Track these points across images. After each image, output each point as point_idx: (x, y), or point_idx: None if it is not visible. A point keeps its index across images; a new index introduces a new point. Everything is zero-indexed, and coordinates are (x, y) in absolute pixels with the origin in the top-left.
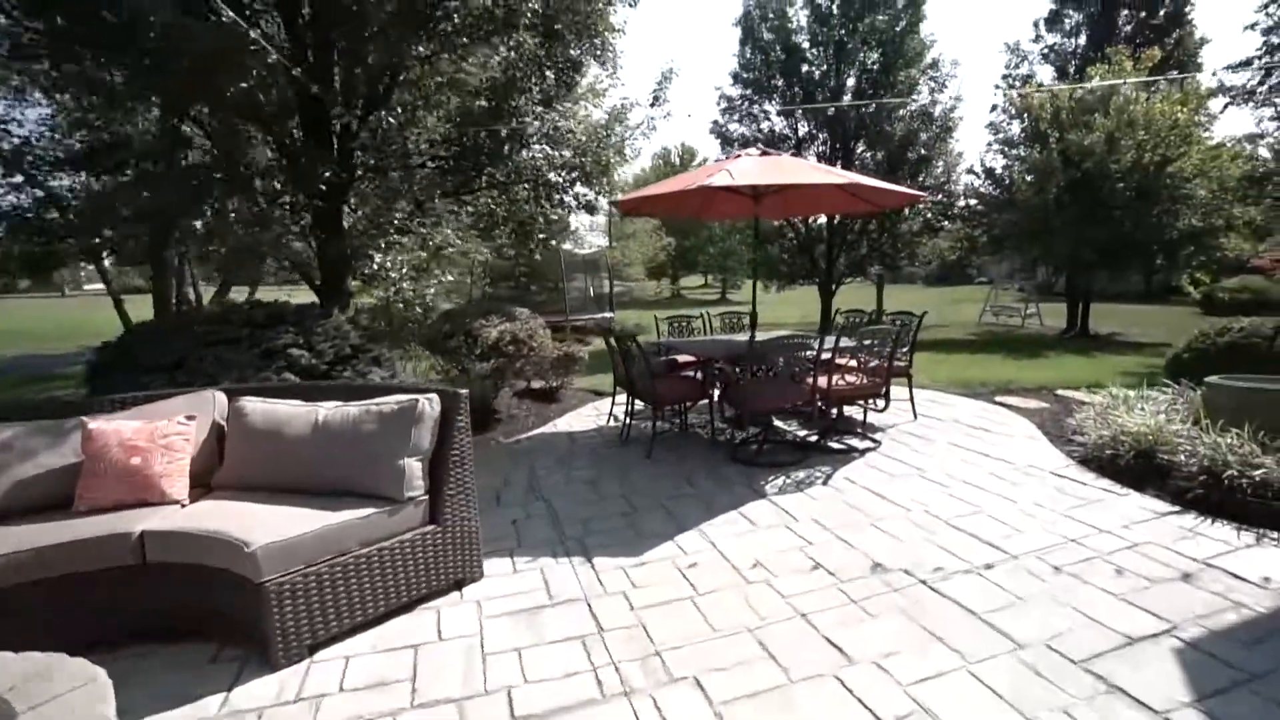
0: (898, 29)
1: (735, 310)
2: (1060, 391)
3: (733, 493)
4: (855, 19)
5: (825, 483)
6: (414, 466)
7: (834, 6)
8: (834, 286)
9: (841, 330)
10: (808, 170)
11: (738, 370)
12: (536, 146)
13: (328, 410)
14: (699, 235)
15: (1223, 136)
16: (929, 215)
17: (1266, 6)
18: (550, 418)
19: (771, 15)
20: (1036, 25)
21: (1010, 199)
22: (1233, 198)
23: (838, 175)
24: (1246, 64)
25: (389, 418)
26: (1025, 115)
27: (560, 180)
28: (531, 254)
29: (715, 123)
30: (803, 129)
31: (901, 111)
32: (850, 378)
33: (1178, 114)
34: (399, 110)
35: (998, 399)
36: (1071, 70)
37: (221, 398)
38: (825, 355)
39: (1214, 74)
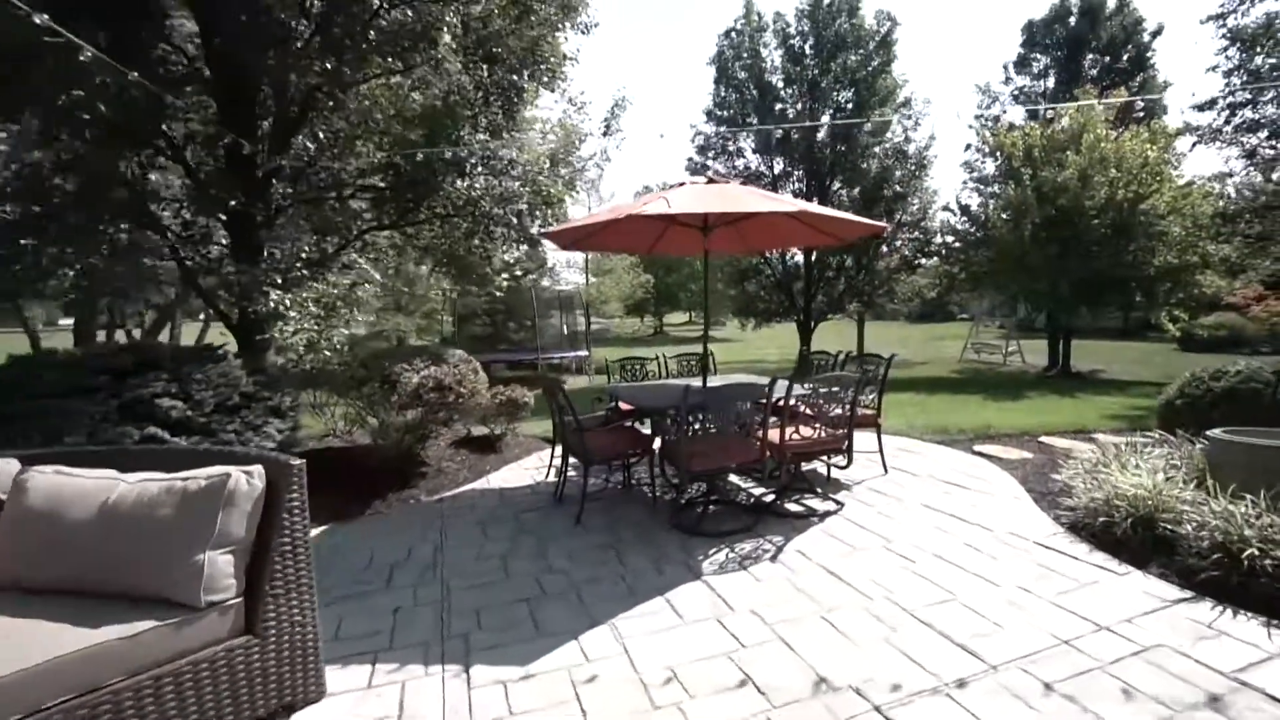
0: (870, 68)
1: (695, 352)
2: (1044, 439)
3: (663, 572)
4: (828, 58)
5: (774, 557)
6: (220, 562)
7: (806, 46)
8: (812, 324)
9: (803, 373)
10: (753, 198)
11: (674, 423)
12: (480, 179)
13: (127, 486)
14: (681, 272)
15: (1192, 175)
16: (906, 252)
17: (1225, 50)
18: (486, 470)
19: (745, 55)
20: (1006, 68)
21: (987, 235)
22: (1206, 235)
23: (786, 204)
24: (1212, 104)
25: (191, 498)
26: (998, 153)
27: (500, 213)
28: (478, 290)
29: (690, 160)
30: (779, 166)
31: (876, 149)
32: (807, 430)
33: (1148, 152)
34: (320, 136)
35: (977, 448)
36: (1041, 111)
37: (10, 467)
38: (784, 402)
39: (1181, 112)
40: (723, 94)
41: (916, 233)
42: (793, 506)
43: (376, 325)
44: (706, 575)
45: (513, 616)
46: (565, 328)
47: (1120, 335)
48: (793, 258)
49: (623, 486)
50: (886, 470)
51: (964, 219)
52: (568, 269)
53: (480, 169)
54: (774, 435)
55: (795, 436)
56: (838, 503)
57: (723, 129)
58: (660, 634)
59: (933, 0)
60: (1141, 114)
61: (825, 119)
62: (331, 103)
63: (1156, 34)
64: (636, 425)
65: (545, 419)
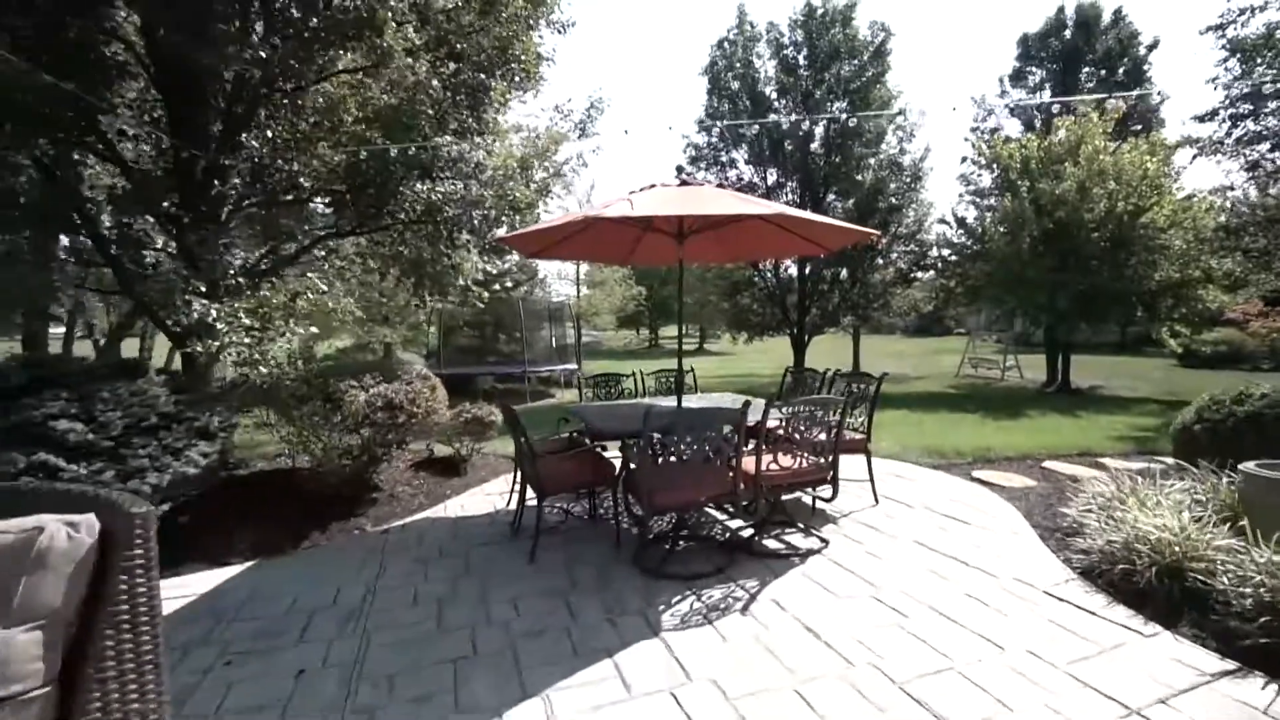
0: (864, 79)
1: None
2: (1048, 464)
3: (617, 626)
4: (821, 69)
5: (746, 608)
6: (20, 643)
7: (800, 57)
8: (806, 338)
9: (793, 391)
10: (725, 200)
11: (636, 450)
12: (445, 183)
13: None
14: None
15: (1192, 188)
16: (902, 265)
17: (1224, 62)
18: (445, 495)
19: (738, 65)
20: (1001, 81)
21: (984, 249)
22: (1209, 249)
23: (758, 206)
24: (1213, 115)
25: None
26: (995, 165)
27: (464, 218)
28: (456, 302)
29: (680, 169)
30: (772, 177)
31: (871, 160)
32: (787, 460)
33: (1147, 164)
34: (271, 135)
35: (976, 474)
36: (1038, 124)
37: None
38: (761, 427)
39: (1183, 123)
40: (715, 104)
41: (912, 245)
42: (771, 543)
43: (361, 338)
44: (665, 631)
45: (433, 684)
46: (554, 340)
47: (1117, 350)
48: (785, 270)
49: (589, 517)
50: (877, 500)
51: (960, 232)
52: (559, 280)
53: (447, 172)
54: (750, 465)
55: (774, 467)
56: (822, 539)
57: (717, 125)
58: (601, 711)
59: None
60: (1139, 127)
61: (819, 129)
62: (286, 100)
63: (1153, 47)
64: (601, 450)
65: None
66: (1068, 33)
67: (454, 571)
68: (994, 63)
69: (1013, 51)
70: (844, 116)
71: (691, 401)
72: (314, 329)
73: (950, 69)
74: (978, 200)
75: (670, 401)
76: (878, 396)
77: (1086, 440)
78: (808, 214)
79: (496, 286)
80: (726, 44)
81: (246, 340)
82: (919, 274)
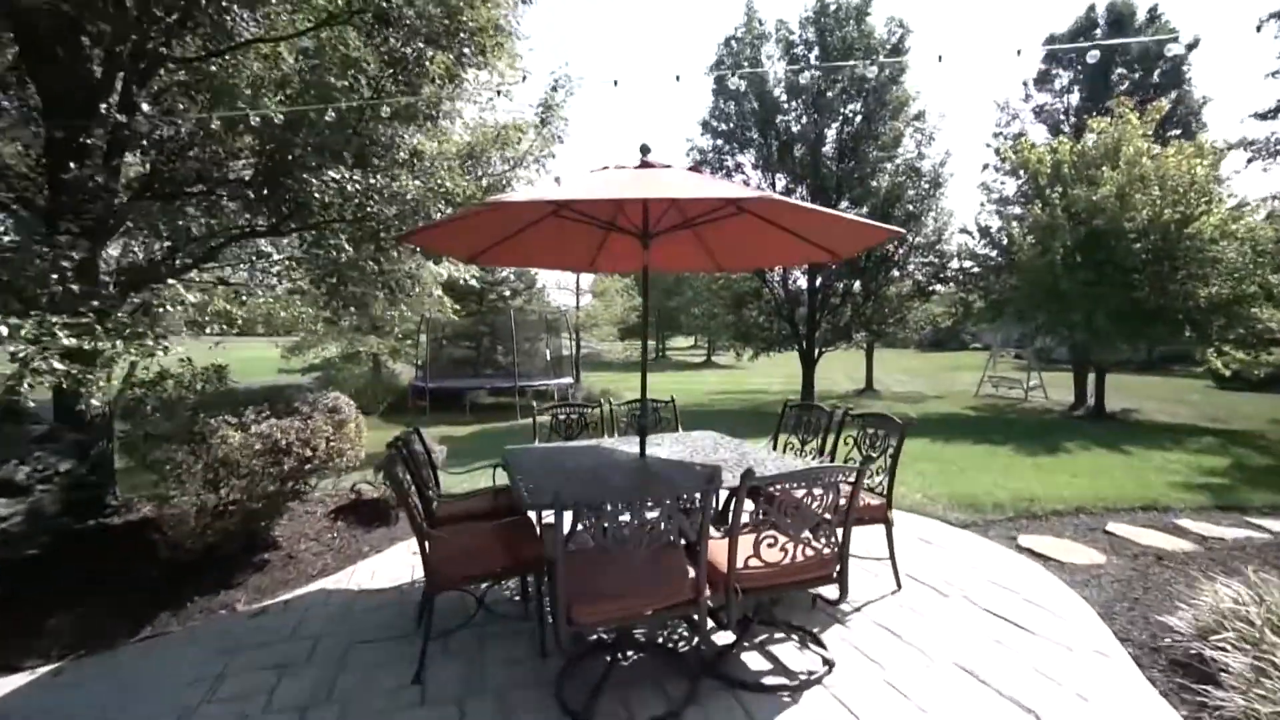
0: (880, 78)
1: (657, 397)
2: (1113, 527)
3: None
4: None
5: None
6: None
7: (811, 56)
8: (816, 354)
9: (791, 429)
10: (693, 183)
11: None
12: (380, 174)
13: None
14: (684, 295)
15: (1243, 195)
16: (920, 277)
17: None
18: (359, 554)
19: (745, 65)
20: (1026, 85)
21: (1011, 260)
22: (1267, 263)
23: (731, 191)
24: (1276, 112)
25: None
26: (1022, 170)
27: (388, 214)
28: (358, 316)
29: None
30: (781, 183)
31: (887, 165)
32: (773, 551)
33: (1195, 168)
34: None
35: (1023, 541)
36: (1066, 128)
37: None
38: (734, 503)
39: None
40: (721, 105)
41: (931, 256)
42: (754, 659)
43: (347, 348)
44: None
45: None
46: (549, 353)
47: (1143, 369)
48: (794, 281)
49: (521, 598)
50: (900, 584)
51: (984, 242)
52: (559, 290)
53: (380, 162)
54: (720, 555)
55: (755, 562)
56: (825, 659)
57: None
58: None
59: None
60: (1177, 132)
61: (830, 132)
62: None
63: (1193, 46)
64: (533, 517)
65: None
66: (1099, 32)
67: (312, 690)
68: (1019, 66)
69: (1039, 54)
70: (857, 118)
71: (662, 448)
72: (214, 341)
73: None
74: (1001, 209)
75: (625, 446)
76: (900, 450)
77: (1146, 487)
78: (809, 206)
79: (494, 296)
80: (733, 42)
81: (59, 366)
82: (938, 287)
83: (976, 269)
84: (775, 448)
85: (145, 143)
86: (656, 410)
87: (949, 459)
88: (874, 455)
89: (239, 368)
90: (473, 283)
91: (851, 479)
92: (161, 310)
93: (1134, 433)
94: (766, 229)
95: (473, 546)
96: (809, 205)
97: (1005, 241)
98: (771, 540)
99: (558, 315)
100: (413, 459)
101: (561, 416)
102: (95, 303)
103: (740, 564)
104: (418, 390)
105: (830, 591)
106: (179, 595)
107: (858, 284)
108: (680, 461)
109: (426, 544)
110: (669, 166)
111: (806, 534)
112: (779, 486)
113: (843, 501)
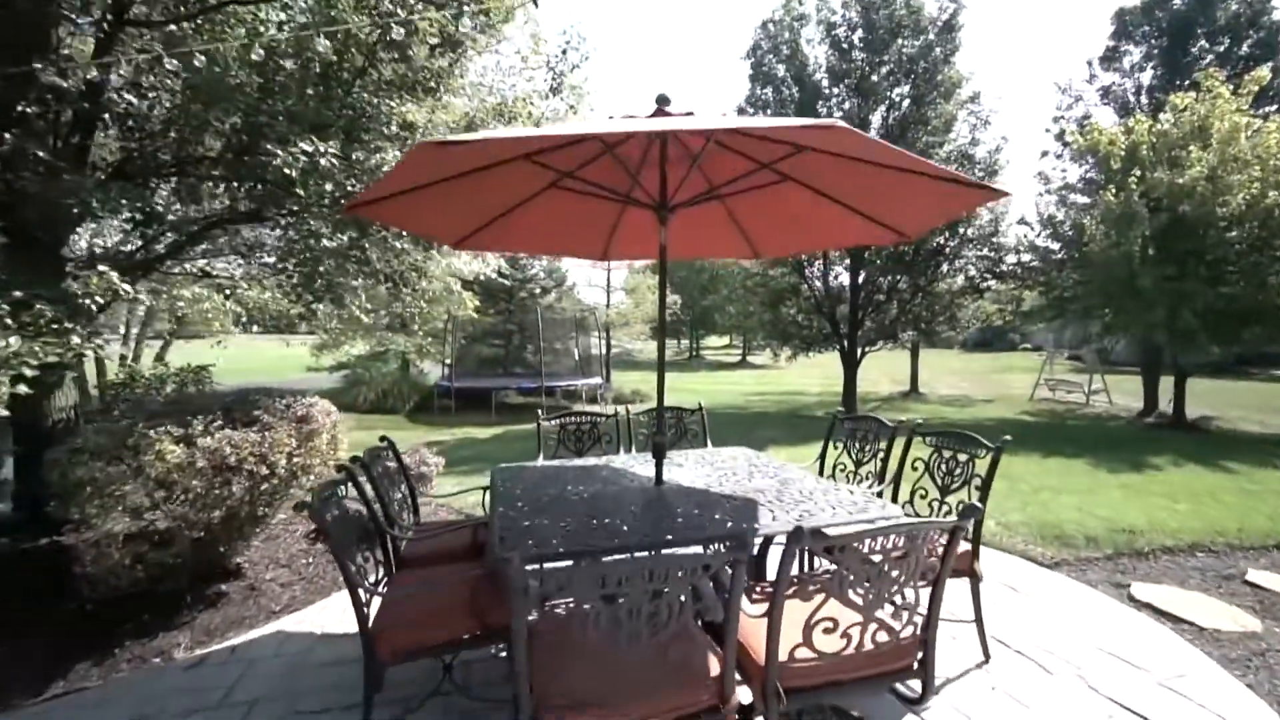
0: (930, 58)
1: (683, 404)
2: (1258, 576)
3: None
4: (880, 49)
5: None
6: None
7: (855, 37)
8: (859, 353)
9: (843, 446)
10: (719, 120)
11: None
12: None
13: None
14: (719, 293)
15: None
16: (973, 272)
17: None
18: (332, 586)
19: (784, 48)
20: (1090, 64)
21: (1079, 253)
22: None
23: (783, 122)
24: None
25: None
26: (1090, 155)
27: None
28: (335, 307)
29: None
30: None
31: (939, 150)
32: (831, 638)
33: None
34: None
35: (1136, 590)
36: (1140, 109)
37: None
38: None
39: None
40: (758, 92)
41: (986, 250)
42: None
43: (376, 347)
44: None
45: None
46: (576, 353)
47: (1217, 371)
48: (836, 277)
49: (509, 656)
50: (987, 655)
51: (1046, 233)
52: (589, 288)
53: (366, 135)
54: (755, 635)
55: (805, 652)
56: None
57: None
58: None
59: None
60: (1273, 108)
61: (876, 117)
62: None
63: None
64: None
65: (467, 473)
66: (1177, 1)
67: None
68: (1080, 45)
69: (1105, 29)
70: (905, 102)
71: (684, 469)
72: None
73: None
74: (1065, 197)
75: (665, 463)
76: (992, 479)
77: (1268, 516)
78: (895, 149)
79: (523, 294)
80: (770, 25)
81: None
82: (992, 282)
83: (1037, 263)
84: (822, 471)
85: (109, 118)
86: (682, 420)
87: (1017, 475)
88: (952, 484)
89: (267, 366)
90: (502, 280)
91: (947, 532)
92: (88, 302)
93: (1226, 445)
94: (816, 202)
95: (431, 607)
96: (893, 146)
97: (1072, 233)
98: (830, 625)
99: (588, 313)
100: (377, 484)
101: (571, 427)
102: (18, 292)
103: (785, 654)
104: (444, 389)
105: (911, 686)
106: (111, 638)
107: (904, 280)
108: (705, 492)
109: (369, 603)
110: (690, 114)
111: (883, 610)
112: (848, 545)
113: (932, 564)
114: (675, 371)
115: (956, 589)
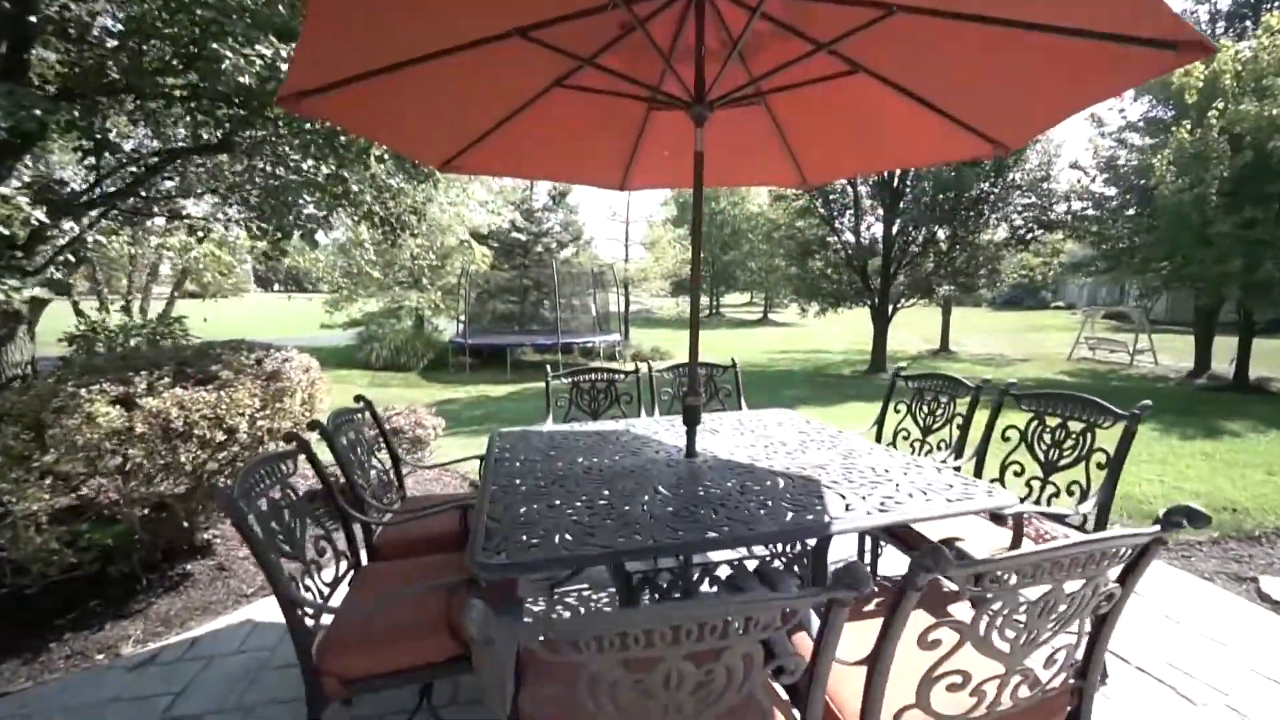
0: None
1: (720, 360)
2: None
3: None
4: None
5: None
6: None
7: None
8: (891, 309)
9: (914, 408)
10: None
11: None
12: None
13: None
14: (741, 249)
15: None
16: (1018, 221)
17: None
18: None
19: None
20: None
21: (1143, 198)
22: None
23: None
24: None
25: None
26: (1160, 91)
27: None
28: (280, 248)
29: None
30: None
31: None
32: (961, 695)
33: None
34: None
35: (1266, 584)
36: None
37: None
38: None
39: None
40: None
41: (1033, 197)
42: None
43: (390, 304)
44: None
45: None
46: (594, 309)
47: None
48: (869, 227)
49: None
50: (1105, 674)
51: (1105, 178)
52: (608, 242)
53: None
54: (845, 697)
55: (919, 716)
56: None
57: None
58: None
59: None
60: None
61: None
62: None
63: None
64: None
65: (478, 433)
66: None
67: None
68: None
69: None
70: None
71: (720, 435)
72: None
73: None
74: (1123, 139)
75: (681, 433)
76: (1125, 454)
77: None
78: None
79: (539, 249)
80: None
81: None
82: (1039, 233)
83: (1091, 211)
84: (879, 438)
85: (47, 28)
86: (713, 378)
87: None
88: (1060, 460)
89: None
90: (517, 234)
91: (1136, 549)
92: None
93: None
94: (887, 102)
95: (399, 618)
96: None
97: (1134, 177)
98: (959, 680)
99: (606, 268)
100: (342, 456)
101: (585, 385)
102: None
103: (888, 716)
104: (459, 346)
105: None
106: (50, 630)
107: (942, 230)
108: (750, 468)
109: (319, 614)
110: None
111: (1032, 659)
112: (1010, 573)
113: (1110, 591)
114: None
115: None
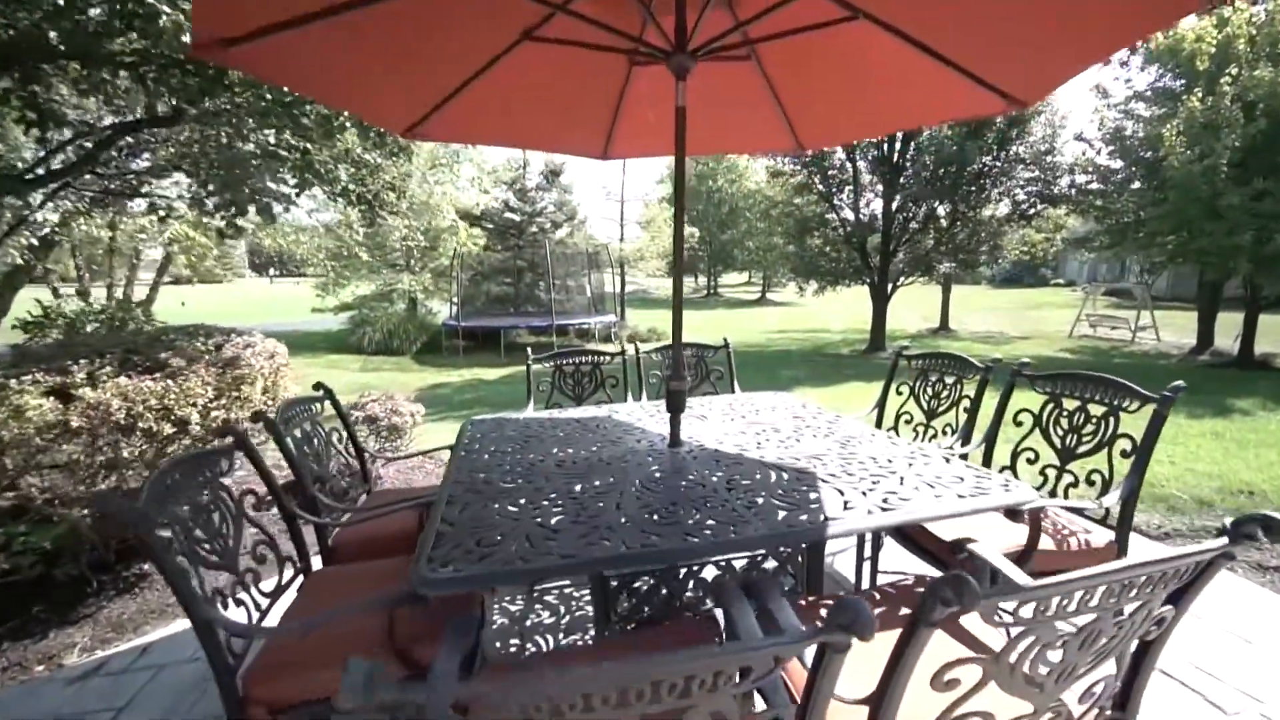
0: None
1: (709, 340)
2: None
3: None
4: None
5: None
6: None
7: None
8: (889, 289)
9: (917, 385)
10: None
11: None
12: None
13: None
14: (739, 228)
15: None
16: (1020, 196)
17: None
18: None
19: None
20: None
21: (1150, 170)
22: None
23: None
24: None
25: None
26: (1168, 57)
27: None
28: (237, 226)
29: None
30: None
31: None
32: None
33: None
34: None
35: None
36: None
37: None
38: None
39: None
40: None
41: (1036, 170)
42: None
43: (382, 287)
44: None
45: None
46: (589, 289)
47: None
48: (868, 204)
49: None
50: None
51: (1111, 150)
52: (604, 221)
53: None
54: None
55: None
56: None
57: None
58: None
59: None
60: None
61: None
62: None
63: None
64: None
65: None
66: None
67: None
68: None
69: None
70: None
71: (708, 421)
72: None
73: None
74: (1129, 110)
75: (684, 415)
76: (1155, 440)
77: None
78: None
79: (534, 229)
80: None
81: None
82: (1042, 207)
83: (1096, 184)
84: (880, 423)
85: None
86: (703, 359)
87: None
88: (1078, 446)
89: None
90: (510, 215)
91: (1201, 564)
92: None
93: None
94: (888, 55)
95: (335, 635)
96: None
97: (1142, 149)
98: None
99: (601, 249)
100: (290, 452)
101: (569, 368)
102: None
103: None
104: (451, 329)
105: None
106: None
107: (942, 206)
108: (738, 459)
109: (234, 638)
110: None
111: (1067, 695)
112: (1053, 602)
113: (1160, 615)
114: (692, 309)
115: None
